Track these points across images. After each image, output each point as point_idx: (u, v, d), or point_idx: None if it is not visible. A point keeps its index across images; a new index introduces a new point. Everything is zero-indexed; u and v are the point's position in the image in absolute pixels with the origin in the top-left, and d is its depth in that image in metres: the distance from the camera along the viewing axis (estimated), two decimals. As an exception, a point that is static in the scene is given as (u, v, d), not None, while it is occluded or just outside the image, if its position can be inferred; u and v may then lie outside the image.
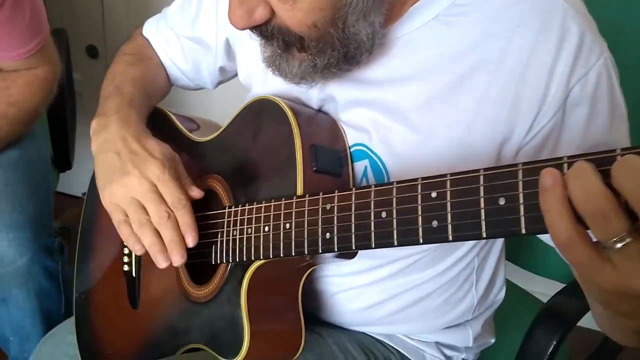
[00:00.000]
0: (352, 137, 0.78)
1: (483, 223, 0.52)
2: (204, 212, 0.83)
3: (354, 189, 0.63)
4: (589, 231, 0.44)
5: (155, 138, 0.82)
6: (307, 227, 0.67)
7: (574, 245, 0.44)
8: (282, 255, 0.70)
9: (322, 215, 0.66)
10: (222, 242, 0.79)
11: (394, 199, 0.59)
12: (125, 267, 0.94)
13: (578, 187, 0.43)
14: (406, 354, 0.92)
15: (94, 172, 1.03)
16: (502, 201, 0.50)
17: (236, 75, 1.02)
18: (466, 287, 0.89)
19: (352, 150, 0.78)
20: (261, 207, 0.73)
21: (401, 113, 0.74)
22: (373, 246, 0.60)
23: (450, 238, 0.54)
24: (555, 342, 0.92)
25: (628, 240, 0.42)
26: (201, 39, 0.98)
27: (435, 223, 0.55)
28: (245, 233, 0.75)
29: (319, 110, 0.82)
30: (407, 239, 0.57)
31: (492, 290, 0.94)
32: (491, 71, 0.69)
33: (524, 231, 0.49)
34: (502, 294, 0.97)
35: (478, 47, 0.70)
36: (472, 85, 0.70)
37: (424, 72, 0.73)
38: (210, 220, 0.81)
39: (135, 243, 0.78)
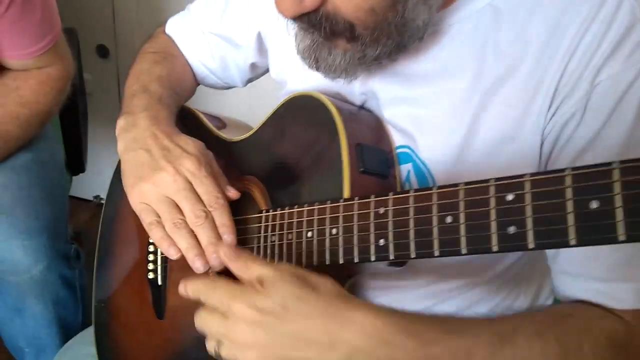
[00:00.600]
0: (395, 139, 0.73)
1: (572, 229, 0.46)
2: (237, 216, 0.77)
3: (412, 190, 0.57)
4: None
5: (187, 135, 0.77)
6: (357, 232, 0.61)
7: None
8: (327, 262, 0.64)
9: (374, 219, 0.60)
10: (258, 248, 0.73)
11: (461, 203, 0.53)
12: (150, 275, 0.88)
13: None
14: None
15: (113, 176, 0.98)
16: (594, 204, 0.45)
17: (267, 72, 0.96)
18: (515, 293, 0.83)
19: (396, 152, 0.72)
20: (303, 210, 0.67)
21: (448, 111, 0.68)
22: (436, 254, 0.55)
23: (531, 246, 0.48)
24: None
25: None
26: (230, 35, 0.93)
27: (512, 229, 0.49)
28: (285, 239, 0.69)
29: (362, 107, 0.76)
30: (478, 246, 0.52)
31: (541, 295, 0.88)
32: (536, 58, 0.64)
33: (622, 238, 0.43)
34: (551, 300, 0.91)
35: (525, 34, 0.65)
36: (520, 77, 0.65)
37: (474, 64, 0.67)
38: (245, 224, 0.76)
39: (169, 247, 0.71)
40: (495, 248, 0.50)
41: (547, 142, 0.65)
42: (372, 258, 0.60)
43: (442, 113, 0.69)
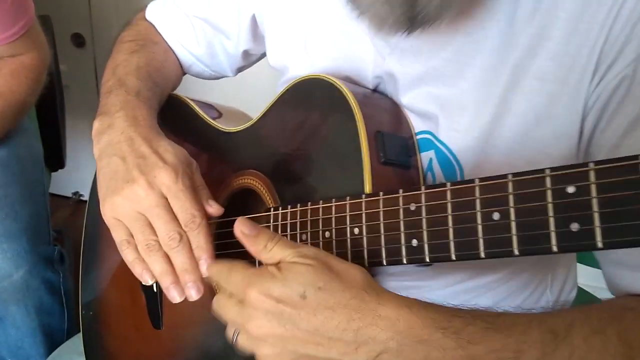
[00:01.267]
0: (414, 125, 0.66)
1: (651, 225, 0.39)
2: (241, 215, 0.70)
3: (448, 184, 0.50)
4: None
5: (169, 140, 0.68)
6: (384, 232, 0.54)
7: None
8: (350, 266, 0.57)
9: (404, 217, 0.53)
10: (267, 251, 0.65)
11: (511, 197, 0.46)
12: (144, 281, 0.80)
13: None
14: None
15: (95, 173, 0.90)
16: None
17: (259, 59, 0.88)
18: (542, 288, 0.77)
19: (416, 139, 0.65)
20: (318, 208, 0.60)
21: (474, 89, 0.62)
22: (483, 256, 0.48)
23: (600, 245, 0.42)
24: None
25: None
26: (218, 19, 0.85)
27: (575, 226, 0.43)
28: (298, 239, 0.62)
29: (375, 91, 0.69)
30: (534, 246, 0.45)
31: (565, 289, 0.83)
32: (570, 23, 0.57)
33: None
34: (574, 293, 0.85)
35: None
36: (553, 46, 0.58)
37: (500, 34, 0.60)
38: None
39: (142, 271, 0.63)
40: (554, 248, 0.44)
41: (590, 117, 0.58)
42: (404, 260, 0.53)
43: (467, 91, 0.62)
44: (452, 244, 0.49)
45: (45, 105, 1.51)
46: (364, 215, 0.56)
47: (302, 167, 0.65)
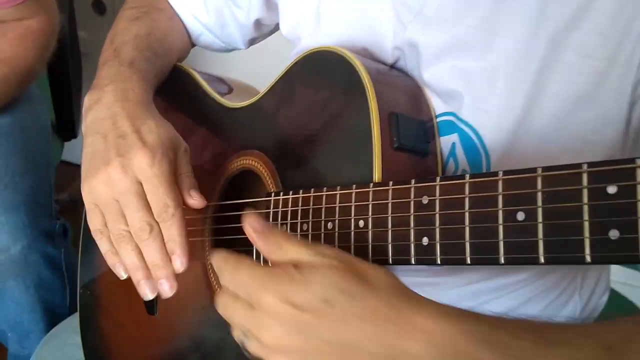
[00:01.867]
0: (437, 105, 0.59)
1: None
2: (240, 198, 0.64)
3: (467, 176, 0.44)
4: None
5: (158, 117, 0.62)
6: (392, 227, 0.48)
7: None
8: (352, 262, 0.51)
9: (415, 211, 0.47)
10: (265, 239, 0.60)
11: (539, 195, 0.39)
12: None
13: None
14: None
15: None
16: None
17: (273, 31, 0.82)
18: (570, 290, 0.70)
19: (437, 121, 0.58)
20: (321, 195, 0.54)
21: (506, 63, 0.55)
22: (502, 261, 0.41)
23: (645, 258, 0.35)
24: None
25: None
26: None
27: (614, 233, 0.36)
28: (299, 229, 0.56)
29: (393, 67, 0.62)
30: (563, 254, 0.38)
31: (596, 293, 0.75)
32: None
33: None
34: (606, 297, 0.78)
35: None
36: (598, 18, 0.51)
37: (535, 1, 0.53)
38: (249, 209, 0.63)
39: (115, 265, 0.59)
40: (588, 258, 0.37)
41: None
42: (413, 260, 0.47)
43: (497, 65, 0.55)
44: (467, 246, 0.43)
45: (58, 73, 1.47)
46: (370, 206, 0.50)
47: (308, 150, 0.58)
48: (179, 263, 0.57)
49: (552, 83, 0.53)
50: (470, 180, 0.43)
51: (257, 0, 0.77)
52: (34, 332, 1.08)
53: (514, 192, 0.41)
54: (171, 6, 0.82)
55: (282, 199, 0.58)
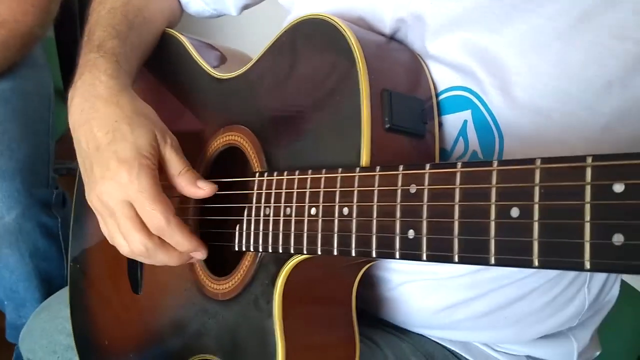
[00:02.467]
0: (448, 79, 0.54)
1: None
2: (228, 175, 0.60)
3: (459, 164, 0.39)
4: None
5: (135, 110, 0.59)
6: (377, 217, 0.44)
7: None
8: (335, 252, 0.47)
9: (402, 201, 0.42)
10: (249, 221, 0.56)
11: (537, 190, 0.35)
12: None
13: None
14: (486, 370, 0.69)
15: None
16: None
17: None
18: (578, 284, 0.65)
19: (446, 97, 0.53)
20: (306, 178, 0.50)
21: (525, 39, 0.50)
22: (492, 262, 0.37)
23: (652, 268, 0.30)
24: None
25: None
26: None
27: (619, 238, 0.31)
28: (282, 214, 0.52)
29: (392, 39, 0.57)
30: (559, 258, 0.34)
31: (606, 287, 0.71)
32: None
33: None
34: (616, 291, 0.73)
35: None
36: None
37: None
38: (235, 189, 0.59)
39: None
40: (587, 264, 0.32)
41: None
42: (397, 255, 0.42)
43: (516, 41, 0.50)
44: (455, 242, 0.39)
45: (66, 40, 1.44)
46: (355, 193, 0.46)
47: (294, 128, 0.54)
48: (200, 255, 0.59)
49: (578, 65, 0.48)
50: (462, 169, 0.39)
51: None
52: (29, 301, 1.07)
53: (509, 185, 0.36)
54: None
55: (266, 180, 0.54)
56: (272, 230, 0.53)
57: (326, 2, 0.59)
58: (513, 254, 0.36)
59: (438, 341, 0.70)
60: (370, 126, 0.47)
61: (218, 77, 0.65)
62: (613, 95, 0.47)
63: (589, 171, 0.33)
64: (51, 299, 0.96)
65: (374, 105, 0.48)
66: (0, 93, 1.03)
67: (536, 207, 0.35)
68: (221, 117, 0.63)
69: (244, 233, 0.56)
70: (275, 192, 0.53)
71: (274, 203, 0.53)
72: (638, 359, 0.83)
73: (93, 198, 0.59)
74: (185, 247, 0.56)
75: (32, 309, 0.98)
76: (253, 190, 0.56)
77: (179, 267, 0.65)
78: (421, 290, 0.64)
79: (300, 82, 0.54)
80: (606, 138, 0.48)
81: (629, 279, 0.96)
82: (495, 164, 0.37)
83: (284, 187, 0.52)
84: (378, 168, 0.44)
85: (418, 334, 0.70)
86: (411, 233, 0.41)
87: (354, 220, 0.45)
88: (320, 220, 0.48)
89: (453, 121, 0.53)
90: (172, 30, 0.74)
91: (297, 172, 0.51)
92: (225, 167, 0.62)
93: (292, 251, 0.51)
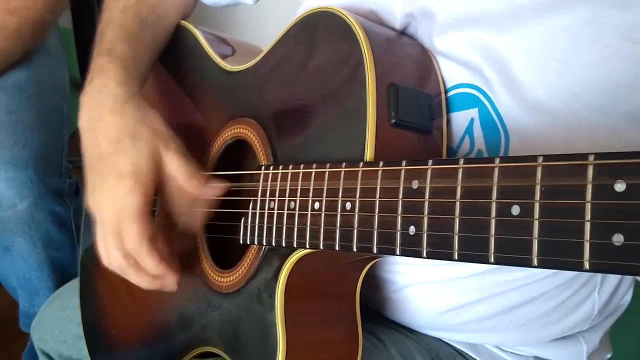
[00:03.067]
0: (455, 75, 0.53)
1: None
2: (236, 168, 0.60)
3: (461, 161, 0.39)
4: None
5: (140, 119, 0.60)
6: (379, 212, 0.44)
7: None
8: (337, 247, 0.47)
9: (404, 197, 0.42)
10: (254, 215, 0.56)
11: (538, 188, 0.34)
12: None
13: None
14: (494, 371, 0.68)
15: None
16: None
17: None
18: (588, 288, 0.64)
19: (454, 94, 0.53)
20: (310, 172, 0.50)
21: (535, 39, 0.49)
22: (492, 260, 0.36)
23: (651, 272, 0.30)
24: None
25: None
26: None
27: (619, 239, 0.31)
28: (286, 207, 0.52)
29: (403, 33, 0.57)
30: (559, 258, 0.33)
31: (618, 292, 0.69)
32: None
33: None
34: (629, 296, 0.72)
35: None
36: None
37: None
38: (241, 181, 0.59)
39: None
40: (586, 265, 0.32)
41: None
42: (397, 251, 0.42)
43: (525, 41, 0.49)
44: (455, 239, 0.38)
45: (84, 30, 1.45)
46: (358, 188, 0.45)
47: (301, 121, 0.54)
48: (169, 282, 0.61)
49: (586, 66, 0.47)
50: (464, 165, 0.38)
51: None
52: (42, 290, 1.08)
53: (510, 183, 0.36)
54: None
55: (272, 173, 0.54)
56: (277, 223, 0.53)
57: None
58: (512, 253, 0.35)
59: (448, 342, 0.69)
60: (376, 121, 0.47)
61: (228, 69, 0.65)
62: (621, 97, 0.46)
63: (590, 169, 0.32)
64: (63, 288, 0.97)
65: (380, 100, 0.48)
66: (15, 82, 1.04)
67: (537, 205, 0.34)
68: (230, 109, 0.63)
69: (249, 226, 0.56)
70: (280, 186, 0.53)
71: (279, 197, 0.53)
72: (648, 363, 0.82)
73: (90, 202, 0.61)
74: (153, 271, 0.59)
75: (45, 298, 0.98)
76: (259, 183, 0.56)
77: (186, 259, 0.65)
78: (426, 293, 0.63)
79: (308, 76, 0.54)
80: (614, 140, 0.48)
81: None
82: (497, 160, 0.37)
83: (288, 180, 0.52)
84: (381, 163, 0.44)
85: (429, 336, 0.69)
86: (412, 229, 0.41)
87: (356, 215, 0.45)
88: (323, 215, 0.48)
89: (460, 119, 0.53)
90: (184, 22, 0.74)
91: (301, 166, 0.51)
92: (233, 159, 0.62)
93: (295, 245, 0.51)
